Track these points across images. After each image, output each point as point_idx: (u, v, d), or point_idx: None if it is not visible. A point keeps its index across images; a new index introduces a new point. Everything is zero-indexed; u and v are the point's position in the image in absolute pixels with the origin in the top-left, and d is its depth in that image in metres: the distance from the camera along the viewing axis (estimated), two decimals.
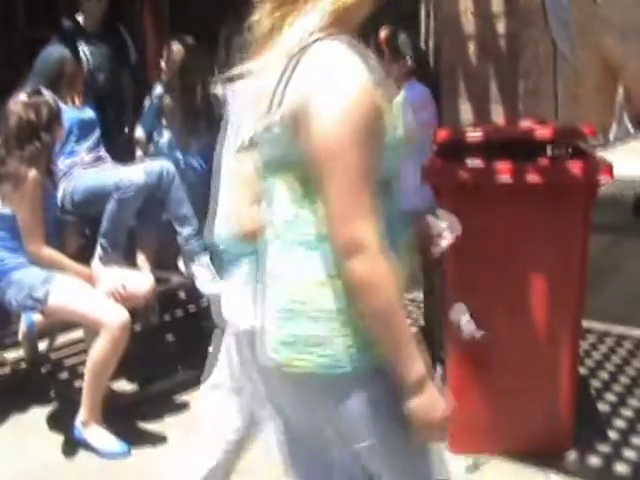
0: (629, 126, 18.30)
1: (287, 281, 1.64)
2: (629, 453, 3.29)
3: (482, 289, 3.03)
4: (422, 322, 4.68)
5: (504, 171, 2.89)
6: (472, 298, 3.05)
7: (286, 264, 1.65)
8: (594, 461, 3.23)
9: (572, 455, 3.21)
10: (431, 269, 3.81)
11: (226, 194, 2.24)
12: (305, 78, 1.55)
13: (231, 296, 2.22)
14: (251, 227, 1.87)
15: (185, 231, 4.06)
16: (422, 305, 4.56)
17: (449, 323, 3.13)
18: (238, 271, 2.12)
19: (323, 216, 1.55)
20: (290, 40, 1.59)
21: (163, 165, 4.11)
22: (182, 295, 4.91)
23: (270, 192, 1.69)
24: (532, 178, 2.89)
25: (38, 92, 3.64)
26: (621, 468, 3.19)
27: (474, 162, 3.00)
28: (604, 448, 3.33)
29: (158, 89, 4.74)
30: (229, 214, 2.09)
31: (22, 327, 3.52)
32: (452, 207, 3.00)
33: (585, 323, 3.79)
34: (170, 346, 4.62)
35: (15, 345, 3.93)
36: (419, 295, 4.56)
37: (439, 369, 3.55)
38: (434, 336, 3.70)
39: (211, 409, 2.53)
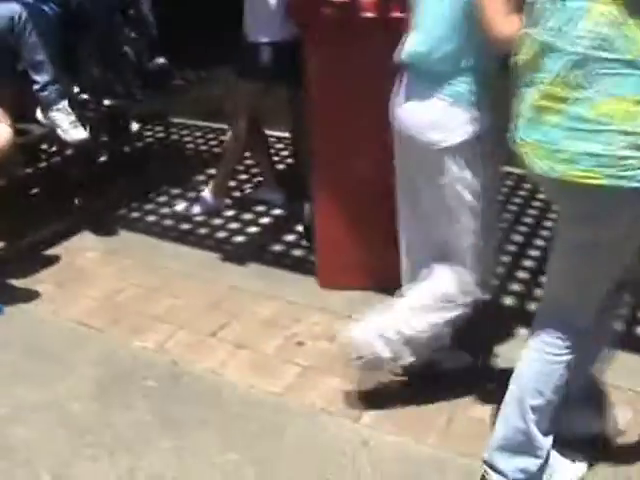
0: None
1: (595, 97, 1.74)
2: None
3: (343, 124, 3.05)
4: (290, 160, 4.75)
5: (369, 5, 2.85)
6: (334, 133, 3.09)
7: (594, 81, 1.74)
8: None
9: None
10: (298, 107, 3.81)
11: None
12: None
13: (441, 113, 2.29)
14: (507, 36, 1.98)
15: (41, 78, 3.86)
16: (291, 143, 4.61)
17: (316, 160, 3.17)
18: (446, 90, 2.26)
19: None
20: None
21: (14, 9, 3.83)
22: (44, 146, 4.75)
23: (571, 11, 1.76)
24: (396, 12, 2.84)
25: None
26: None
27: None
28: None
29: None
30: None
31: None
32: (317, 42, 2.99)
33: None
34: (36, 199, 4.49)
35: None
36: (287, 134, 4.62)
37: (307, 206, 3.63)
38: (302, 174, 3.74)
39: None
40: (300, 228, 3.94)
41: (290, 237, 4.00)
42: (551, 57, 1.81)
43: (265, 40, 3.77)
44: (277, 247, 3.91)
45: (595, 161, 1.76)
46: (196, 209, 4.29)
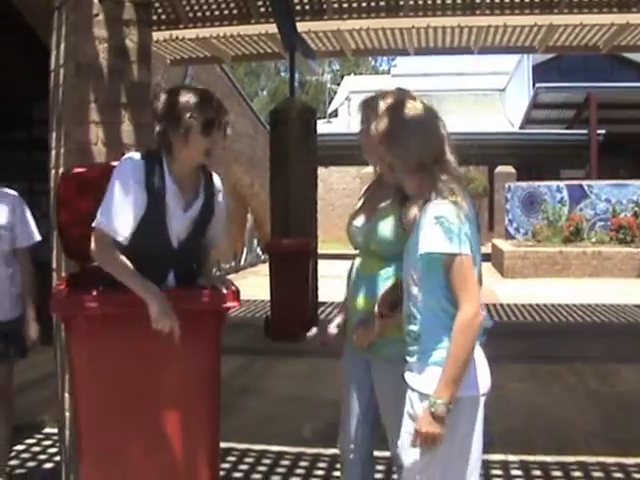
0: (258, 251, 19.50)
1: None
2: None
3: (118, 418, 2.96)
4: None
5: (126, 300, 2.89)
6: (106, 428, 2.96)
7: None
8: None
9: None
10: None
11: None
12: None
13: None
14: None
15: None
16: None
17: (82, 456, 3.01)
18: None
19: None
20: None
21: None
22: None
23: None
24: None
25: None
26: None
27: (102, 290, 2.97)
28: None
29: None
30: None
31: None
32: (84, 337, 2.95)
33: (224, 444, 3.84)
34: None
35: None
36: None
37: None
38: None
39: None
40: None
41: None
42: None
43: None
44: None
45: None
46: None
